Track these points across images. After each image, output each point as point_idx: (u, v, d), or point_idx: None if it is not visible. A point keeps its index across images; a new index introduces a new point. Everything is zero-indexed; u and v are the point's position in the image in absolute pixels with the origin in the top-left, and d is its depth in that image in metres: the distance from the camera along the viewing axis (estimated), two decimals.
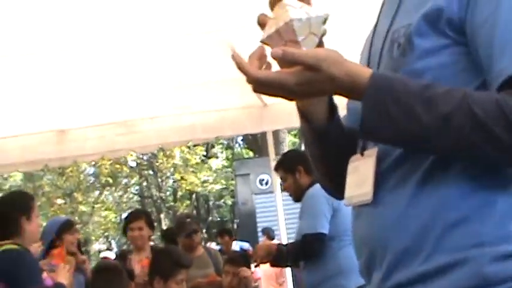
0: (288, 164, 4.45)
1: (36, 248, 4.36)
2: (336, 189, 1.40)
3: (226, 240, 9.07)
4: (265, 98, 5.49)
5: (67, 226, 4.98)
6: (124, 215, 27.61)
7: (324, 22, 1.17)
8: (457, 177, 1.16)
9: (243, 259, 4.99)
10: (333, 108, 1.37)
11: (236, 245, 10.42)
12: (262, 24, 1.21)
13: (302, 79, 1.12)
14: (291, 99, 1.22)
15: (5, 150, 5.68)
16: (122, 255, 5.01)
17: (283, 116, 5.75)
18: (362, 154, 1.31)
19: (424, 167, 1.19)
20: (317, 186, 4.26)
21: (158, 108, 5.64)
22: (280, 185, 6.26)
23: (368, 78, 1.14)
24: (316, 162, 1.44)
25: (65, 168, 18.86)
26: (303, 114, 1.36)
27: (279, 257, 4.26)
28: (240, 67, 1.14)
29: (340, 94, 1.18)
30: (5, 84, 4.44)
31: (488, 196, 1.15)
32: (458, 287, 1.12)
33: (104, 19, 3.72)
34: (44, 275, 3.89)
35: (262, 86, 1.14)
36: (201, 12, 3.81)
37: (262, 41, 1.18)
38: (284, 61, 1.13)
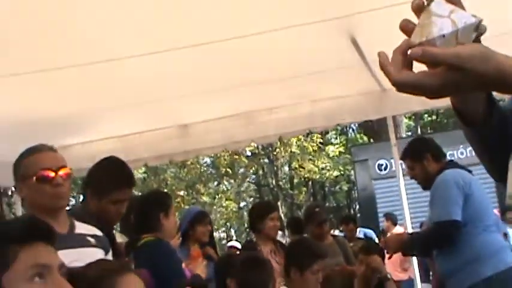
0: (415, 153, 4.42)
1: (175, 241, 4.55)
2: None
3: (351, 228, 8.99)
4: (384, 83, 5.41)
5: (200, 217, 5.11)
6: (242, 204, 28.18)
7: (476, 29, 1.10)
8: None
9: (375, 248, 4.97)
10: (491, 102, 1.30)
11: (360, 232, 10.34)
12: (404, 30, 1.18)
13: (446, 80, 1.08)
14: (437, 98, 1.15)
15: (132, 146, 5.92)
16: (250, 246, 5.07)
17: (402, 101, 5.65)
18: None
19: None
20: (447, 172, 4.21)
21: (276, 99, 5.68)
22: (403, 170, 6.17)
23: None
24: (480, 156, 1.40)
25: (186, 160, 19.39)
26: (458, 111, 1.31)
27: (409, 247, 4.22)
28: (383, 67, 1.12)
29: (494, 89, 1.13)
30: (127, 84, 4.61)
31: None
32: None
33: (215, 14, 3.77)
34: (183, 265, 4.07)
35: (403, 88, 1.12)
36: (316, 1, 3.78)
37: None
38: (425, 61, 1.09)
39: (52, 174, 2.49)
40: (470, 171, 4.31)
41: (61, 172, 2.52)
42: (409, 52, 1.11)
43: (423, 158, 4.33)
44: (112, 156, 3.62)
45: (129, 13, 3.53)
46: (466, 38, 1.08)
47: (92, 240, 2.78)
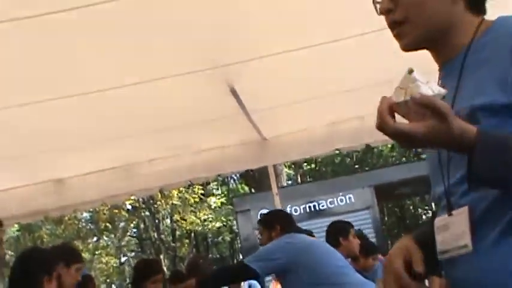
0: (267, 222, 4.75)
1: None
2: None
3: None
4: (264, 132, 5.45)
5: (84, 282, 4.79)
6: (124, 259, 27.45)
7: (443, 98, 1.34)
8: None
9: None
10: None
11: (244, 285, 10.23)
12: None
13: (432, 130, 1.29)
14: (420, 147, 1.44)
15: (3, 203, 5.60)
16: None
17: (283, 149, 5.73)
18: (450, 214, 1.49)
19: (506, 219, 1.38)
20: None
21: (156, 151, 5.58)
22: None
23: (475, 131, 1.31)
24: None
25: (63, 216, 18.68)
26: None
27: None
28: (383, 116, 1.32)
29: (449, 147, 1.36)
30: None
31: None
32: None
33: (91, 64, 3.67)
34: None
35: (397, 136, 1.33)
36: (195, 50, 3.76)
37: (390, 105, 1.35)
38: (420, 105, 1.29)
39: None
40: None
41: None
42: (408, 98, 1.31)
43: (273, 228, 4.62)
44: None
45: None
46: None
47: None
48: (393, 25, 1.57)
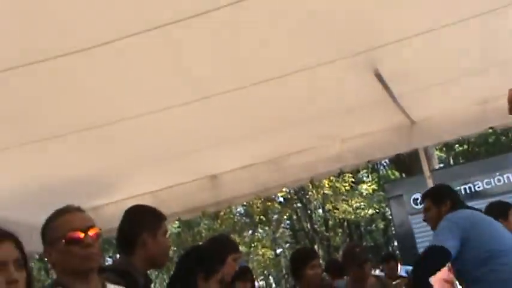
0: (437, 196, 4.44)
1: None
2: None
3: (392, 266, 8.77)
4: (412, 115, 5.33)
5: (241, 273, 4.93)
6: (279, 251, 27.90)
7: None
8: None
9: None
10: None
11: (401, 270, 10.09)
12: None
13: None
14: None
15: (163, 201, 5.87)
16: None
17: (432, 132, 5.59)
18: None
19: None
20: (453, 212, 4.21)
21: (304, 141, 5.63)
22: None
23: None
24: None
25: (218, 211, 19.30)
26: None
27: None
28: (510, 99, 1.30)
29: None
30: (153, 139, 4.60)
31: None
32: None
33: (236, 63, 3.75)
34: None
35: None
36: (337, 38, 3.75)
37: None
38: None
39: (81, 235, 2.42)
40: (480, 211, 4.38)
41: (90, 232, 2.45)
42: None
43: (442, 203, 4.34)
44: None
45: (146, 70, 3.54)
46: None
47: None
48: None
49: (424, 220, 4.53)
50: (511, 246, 4.07)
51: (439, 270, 4.19)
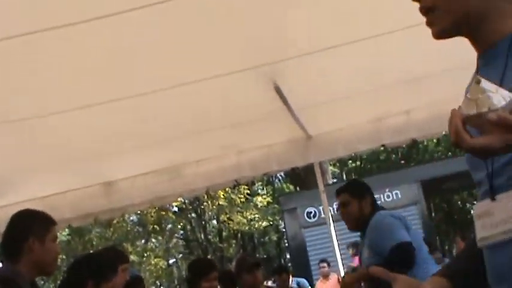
0: (355, 189, 4.40)
1: None
2: None
3: (284, 278, 8.92)
4: (309, 129, 5.44)
5: (133, 283, 4.83)
6: (172, 261, 27.68)
7: None
8: None
9: None
10: None
11: (293, 282, 10.27)
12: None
13: (508, 142, 1.26)
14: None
15: (55, 207, 5.69)
16: None
17: (327, 147, 5.70)
18: (493, 199, 1.44)
19: None
20: (381, 212, 4.24)
21: (202, 151, 5.62)
22: (333, 216, 6.18)
23: None
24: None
25: (111, 219, 18.93)
26: None
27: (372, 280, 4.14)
28: (459, 132, 1.28)
29: None
30: (48, 143, 4.46)
31: None
32: None
33: (138, 68, 3.71)
34: None
35: (475, 151, 1.30)
36: (239, 49, 3.78)
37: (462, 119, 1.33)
38: (497, 125, 1.25)
39: None
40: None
41: None
42: (482, 111, 1.27)
43: (363, 197, 4.31)
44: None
45: (54, 68, 3.43)
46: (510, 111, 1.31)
47: None
48: (424, 12, 1.51)
49: (342, 215, 4.39)
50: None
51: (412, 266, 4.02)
